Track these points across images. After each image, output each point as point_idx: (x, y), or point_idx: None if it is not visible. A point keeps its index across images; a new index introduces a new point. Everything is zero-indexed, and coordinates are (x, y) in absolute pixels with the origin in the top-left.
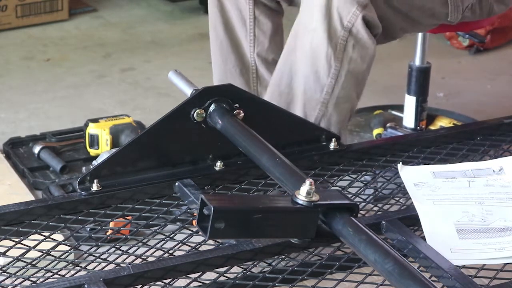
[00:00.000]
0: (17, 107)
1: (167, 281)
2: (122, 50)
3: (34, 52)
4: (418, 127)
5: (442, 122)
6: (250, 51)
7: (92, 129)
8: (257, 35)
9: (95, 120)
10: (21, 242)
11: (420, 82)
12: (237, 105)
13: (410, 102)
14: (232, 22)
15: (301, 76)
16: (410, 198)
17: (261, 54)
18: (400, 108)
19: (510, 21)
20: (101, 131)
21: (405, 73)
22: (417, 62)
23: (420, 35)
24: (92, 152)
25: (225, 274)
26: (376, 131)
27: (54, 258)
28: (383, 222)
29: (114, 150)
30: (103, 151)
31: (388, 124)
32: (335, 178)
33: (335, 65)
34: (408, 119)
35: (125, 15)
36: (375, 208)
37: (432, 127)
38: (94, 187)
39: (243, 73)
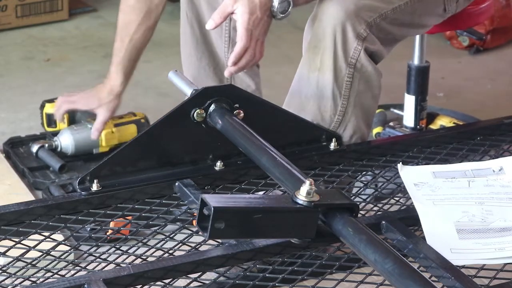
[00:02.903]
0: (17, 107)
1: (167, 281)
2: None
3: (34, 52)
4: (418, 126)
5: (443, 121)
6: (225, 51)
7: (49, 109)
8: (232, 37)
9: (51, 101)
10: (21, 242)
11: (419, 81)
12: (237, 105)
13: (409, 101)
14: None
15: (308, 114)
16: (410, 198)
17: None
18: (401, 107)
19: (510, 21)
20: None
21: (405, 72)
22: (416, 61)
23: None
24: (50, 130)
25: (225, 274)
26: (375, 130)
27: (54, 258)
28: (383, 222)
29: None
30: (61, 128)
31: (390, 124)
32: (335, 178)
33: (342, 103)
34: (408, 118)
35: None
36: (375, 208)
37: (432, 126)
38: (94, 187)
39: (217, 71)
